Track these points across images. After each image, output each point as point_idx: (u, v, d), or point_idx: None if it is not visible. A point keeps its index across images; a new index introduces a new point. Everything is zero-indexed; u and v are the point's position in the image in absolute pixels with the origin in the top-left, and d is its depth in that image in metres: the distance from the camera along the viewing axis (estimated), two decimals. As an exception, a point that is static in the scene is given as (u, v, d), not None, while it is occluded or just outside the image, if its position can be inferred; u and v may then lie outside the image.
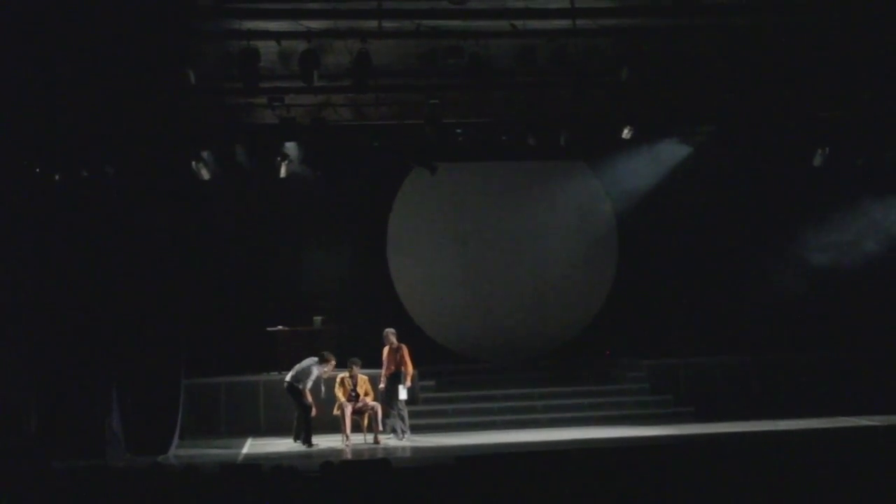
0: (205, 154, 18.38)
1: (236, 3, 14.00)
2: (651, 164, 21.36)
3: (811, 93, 17.33)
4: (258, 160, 18.96)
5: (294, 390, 17.93)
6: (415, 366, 18.42)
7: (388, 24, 14.35)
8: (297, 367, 18.05)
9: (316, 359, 17.99)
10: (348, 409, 17.75)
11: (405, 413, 18.27)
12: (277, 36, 14.57)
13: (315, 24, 14.34)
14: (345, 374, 18.02)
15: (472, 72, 14.81)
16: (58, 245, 16.60)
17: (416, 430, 18.50)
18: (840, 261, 21.47)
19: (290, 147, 18.99)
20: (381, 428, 18.01)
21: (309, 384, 17.92)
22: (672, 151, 21.22)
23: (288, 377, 18.07)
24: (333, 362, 18.07)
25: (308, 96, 16.64)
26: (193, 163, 18.10)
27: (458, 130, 18.93)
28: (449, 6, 13.97)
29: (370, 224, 21.80)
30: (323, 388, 18.09)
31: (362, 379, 18.08)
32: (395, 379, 18.12)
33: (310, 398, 17.90)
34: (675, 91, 17.05)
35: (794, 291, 21.28)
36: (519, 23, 14.50)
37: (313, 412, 17.88)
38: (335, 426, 17.95)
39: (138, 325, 16.99)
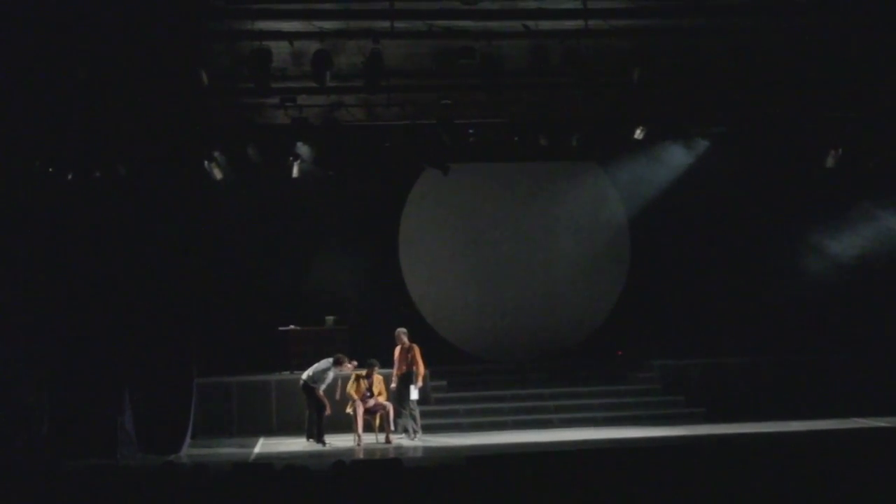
0: (217, 154, 18.41)
1: (248, 3, 14.01)
2: (662, 164, 21.31)
3: (824, 94, 17.29)
4: (270, 160, 18.99)
5: (309, 389, 17.98)
6: (426, 366, 18.44)
7: (401, 25, 14.36)
8: (314, 367, 18.08)
9: (331, 360, 18.02)
10: (360, 409, 17.77)
11: (417, 413, 18.29)
12: (290, 36, 14.58)
13: (327, 25, 14.36)
14: (361, 372, 18.02)
15: (484, 72, 14.81)
16: (70, 244, 16.65)
17: (427, 429, 18.51)
18: (854, 262, 21.42)
19: (303, 147, 19.01)
20: (392, 428, 18.04)
21: (323, 386, 17.96)
22: (683, 152, 21.15)
23: (304, 376, 18.11)
24: (348, 364, 18.09)
25: (320, 96, 16.67)
26: (206, 163, 18.14)
27: (471, 131, 18.93)
28: (461, 7, 13.96)
29: (382, 224, 21.80)
30: (339, 391, 18.10)
31: (378, 379, 18.08)
32: (406, 379, 18.14)
33: (324, 397, 17.93)
34: (687, 92, 17.03)
35: (807, 292, 21.24)
36: (531, 23, 14.50)
37: (327, 411, 17.91)
38: (347, 425, 17.98)
39: (150, 325, 17.02)
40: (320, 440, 17.83)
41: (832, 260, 21.45)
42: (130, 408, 16.85)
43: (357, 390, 17.89)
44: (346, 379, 18.18)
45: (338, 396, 18.07)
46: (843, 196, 21.12)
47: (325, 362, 18.06)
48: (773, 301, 21.23)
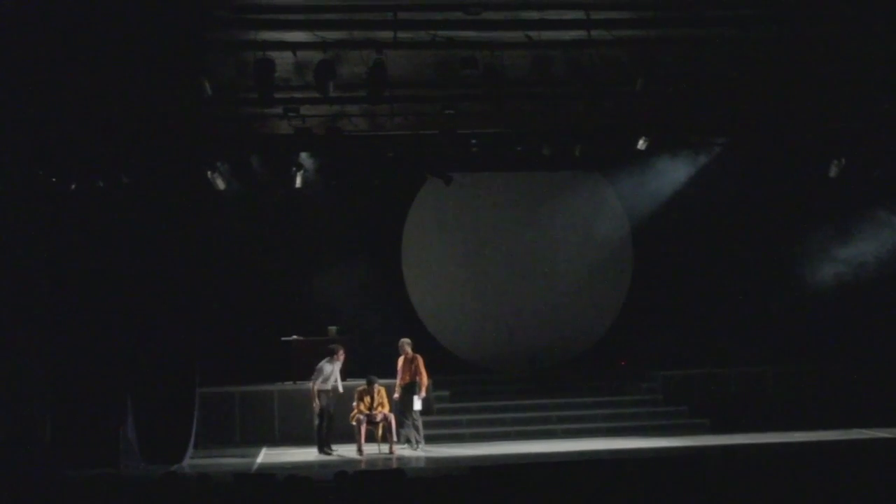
0: (220, 164, 18.42)
1: (252, 13, 14.04)
2: (665, 174, 21.33)
3: (827, 103, 17.30)
4: (273, 170, 19.00)
5: (319, 393, 17.95)
6: (429, 376, 18.42)
7: (404, 35, 14.38)
8: (315, 369, 18.09)
9: (327, 357, 18.05)
10: (363, 419, 17.76)
11: (419, 423, 18.28)
12: (293, 46, 14.61)
13: (331, 35, 14.38)
14: (363, 386, 18.01)
15: (486, 82, 14.82)
16: (73, 254, 16.65)
17: (430, 440, 18.48)
18: (857, 271, 21.40)
19: (305, 157, 19.02)
20: (395, 438, 18.00)
21: (321, 379, 17.90)
22: (687, 162, 21.18)
23: (312, 380, 18.13)
24: (341, 353, 18.11)
25: (323, 106, 16.69)
26: (209, 173, 18.15)
27: (473, 141, 18.95)
28: (464, 17, 13.99)
29: (385, 234, 21.82)
30: (340, 386, 18.05)
31: (380, 391, 18.01)
32: (409, 389, 18.12)
33: (318, 406, 17.87)
34: (691, 102, 17.04)
35: (811, 302, 21.24)
36: (534, 33, 14.52)
37: (316, 407, 17.82)
38: (350, 435, 17.96)
39: (153, 334, 17.01)
40: (326, 449, 17.84)
41: (836, 270, 21.43)
42: (133, 417, 16.82)
43: (363, 405, 17.85)
44: (351, 390, 18.16)
45: (341, 390, 18.03)
46: (846, 206, 21.11)
47: (323, 360, 18.07)
48: (776, 311, 21.24)
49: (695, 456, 15.88)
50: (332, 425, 18.05)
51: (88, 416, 16.39)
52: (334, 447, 18.02)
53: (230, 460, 17.64)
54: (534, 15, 14.19)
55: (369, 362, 18.80)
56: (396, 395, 18.21)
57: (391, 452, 17.84)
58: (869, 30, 15.00)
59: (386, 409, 18.01)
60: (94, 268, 16.71)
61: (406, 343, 18.45)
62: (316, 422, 18.12)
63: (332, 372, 18.05)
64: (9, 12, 13.53)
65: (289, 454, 18.13)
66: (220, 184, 18.60)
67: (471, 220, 22.02)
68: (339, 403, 18.15)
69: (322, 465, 16.88)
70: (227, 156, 18.52)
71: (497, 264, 21.98)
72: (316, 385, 17.90)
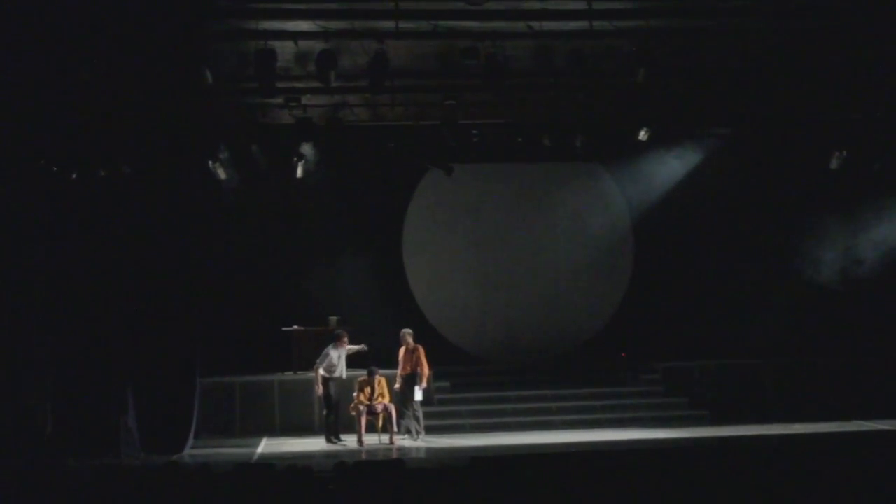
0: (221, 154, 18.41)
1: (253, 3, 14.02)
2: (667, 165, 21.33)
3: (828, 95, 17.28)
4: (275, 160, 18.99)
5: (325, 381, 17.96)
6: (430, 367, 18.43)
7: (405, 25, 14.37)
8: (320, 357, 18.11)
9: (332, 343, 18.08)
10: (364, 410, 17.78)
11: (420, 414, 18.29)
12: (295, 36, 14.59)
13: (332, 25, 14.37)
14: (364, 376, 18.03)
15: (488, 73, 14.81)
16: (74, 244, 16.65)
17: (430, 430, 18.50)
18: (858, 263, 21.41)
19: (307, 147, 19.01)
20: (395, 429, 18.02)
21: (325, 365, 17.90)
22: (688, 153, 21.17)
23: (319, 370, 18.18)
24: (345, 339, 18.14)
25: (324, 97, 16.69)
26: (210, 162, 18.13)
27: (475, 131, 18.92)
28: (466, 7, 13.97)
29: (386, 224, 21.79)
30: (344, 372, 18.06)
31: (381, 382, 18.04)
32: (410, 380, 18.13)
33: (320, 389, 17.92)
34: (692, 93, 17.02)
35: (811, 294, 21.24)
36: (535, 24, 14.50)
37: (318, 390, 17.88)
38: (350, 426, 17.99)
39: (154, 324, 17.01)
40: (333, 438, 17.89)
41: (835, 261, 21.43)
42: (134, 407, 16.83)
43: (364, 396, 17.87)
44: (351, 381, 18.18)
45: (353, 412, 18.05)
46: (847, 198, 21.10)
47: (328, 347, 18.10)
48: (776, 303, 21.23)
49: (694, 447, 15.92)
50: (339, 414, 18.09)
51: (89, 406, 16.42)
52: (342, 437, 18.07)
53: (231, 450, 17.67)
54: (535, 5, 14.17)
55: (370, 352, 18.76)
56: (397, 386, 18.23)
57: (391, 443, 17.87)
58: (870, 21, 14.98)
59: (386, 400, 18.04)
60: (95, 257, 16.72)
61: (407, 333, 18.46)
62: (324, 412, 18.18)
63: (338, 359, 18.05)
64: (10, 2, 13.51)
65: (289, 444, 18.15)
66: (222, 174, 18.59)
67: (472, 210, 22.00)
68: (341, 392, 18.17)
69: (322, 456, 16.89)
70: (228, 146, 18.50)
71: (498, 254, 21.97)
72: (320, 370, 17.92)
